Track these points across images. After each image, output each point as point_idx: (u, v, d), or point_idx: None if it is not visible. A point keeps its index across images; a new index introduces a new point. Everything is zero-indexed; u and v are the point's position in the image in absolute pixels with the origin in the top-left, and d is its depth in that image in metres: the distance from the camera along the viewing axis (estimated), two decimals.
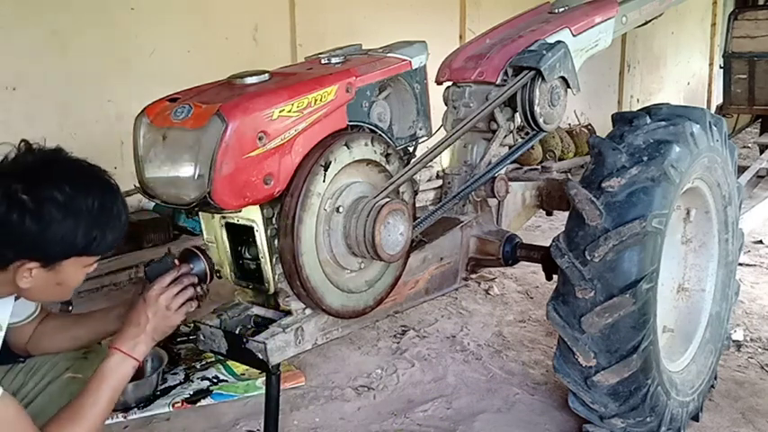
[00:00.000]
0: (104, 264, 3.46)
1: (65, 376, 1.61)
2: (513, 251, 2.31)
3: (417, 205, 2.00)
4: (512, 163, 2.33)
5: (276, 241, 1.68)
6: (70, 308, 2.31)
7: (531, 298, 3.36)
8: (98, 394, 1.39)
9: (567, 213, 2.03)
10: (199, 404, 2.36)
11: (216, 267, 1.85)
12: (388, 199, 1.76)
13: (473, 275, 2.54)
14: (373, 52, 1.96)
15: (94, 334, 1.67)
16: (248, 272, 1.78)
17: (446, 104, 2.30)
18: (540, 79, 2.15)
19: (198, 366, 2.58)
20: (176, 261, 1.57)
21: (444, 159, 2.35)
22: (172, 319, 1.50)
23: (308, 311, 1.79)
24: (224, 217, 1.72)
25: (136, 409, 2.29)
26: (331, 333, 1.87)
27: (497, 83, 2.18)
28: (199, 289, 1.55)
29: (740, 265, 2.93)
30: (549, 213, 2.71)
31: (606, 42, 2.53)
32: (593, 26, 2.43)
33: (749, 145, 7.22)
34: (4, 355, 1.57)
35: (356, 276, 1.83)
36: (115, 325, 1.60)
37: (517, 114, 2.23)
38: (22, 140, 1.33)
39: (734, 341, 2.81)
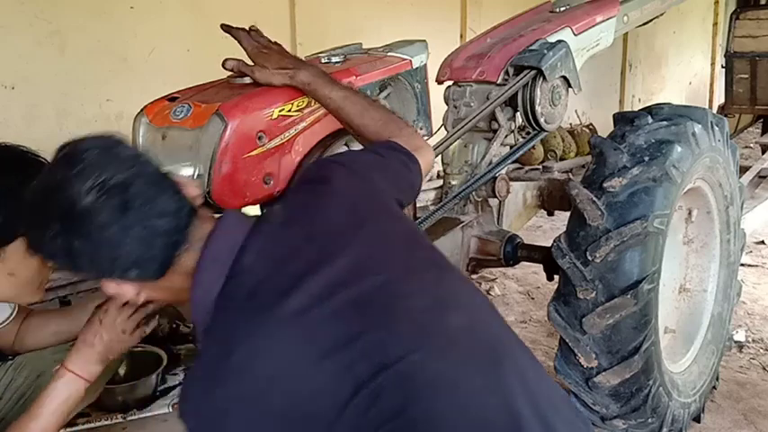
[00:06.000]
0: None
1: (54, 369, 1.60)
2: (514, 251, 2.30)
3: (418, 205, 1.99)
4: (513, 163, 2.32)
5: None
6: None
7: (533, 298, 3.35)
8: (45, 414, 1.36)
9: (568, 213, 2.03)
10: None
11: None
12: None
13: (474, 276, 2.54)
14: (373, 51, 1.95)
15: (75, 327, 1.65)
16: None
17: (447, 104, 2.29)
18: (541, 79, 2.14)
19: None
20: None
21: (446, 159, 2.34)
22: (126, 342, 1.44)
23: None
24: None
25: (135, 409, 2.28)
26: None
27: (498, 82, 2.17)
28: (152, 305, 1.45)
29: (742, 265, 2.92)
30: (550, 213, 2.70)
31: (607, 42, 2.52)
32: (594, 25, 2.42)
33: (751, 145, 7.20)
34: None
35: None
36: None
37: (518, 114, 2.22)
38: None
39: (735, 342, 2.81)
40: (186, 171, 1.51)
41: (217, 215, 1.12)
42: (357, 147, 1.72)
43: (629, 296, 1.83)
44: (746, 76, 6.19)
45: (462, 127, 2.04)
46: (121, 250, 1.00)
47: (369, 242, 1.07)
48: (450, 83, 2.29)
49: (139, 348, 2.25)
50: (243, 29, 1.58)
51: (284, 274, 1.00)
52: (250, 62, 1.58)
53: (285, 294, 0.97)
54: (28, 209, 1.05)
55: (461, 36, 5.73)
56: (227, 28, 1.57)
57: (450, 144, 2.07)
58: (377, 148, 1.34)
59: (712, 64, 8.92)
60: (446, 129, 2.24)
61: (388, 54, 1.92)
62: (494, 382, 0.96)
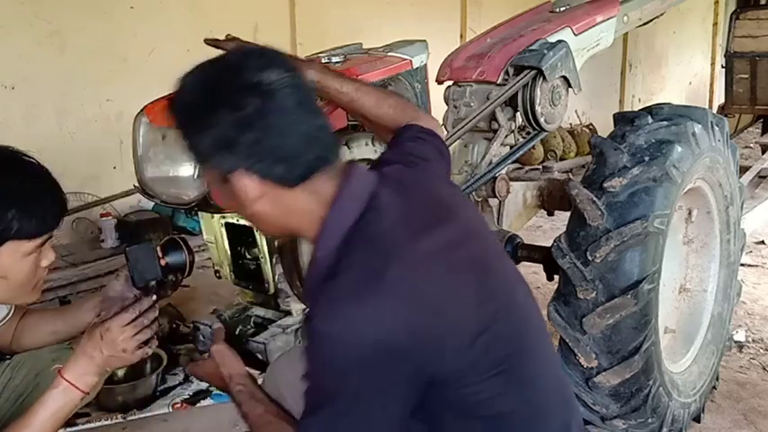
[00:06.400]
0: (104, 264, 3.46)
1: (52, 367, 1.60)
2: (515, 251, 2.30)
3: None
4: (513, 163, 2.32)
5: (276, 241, 1.67)
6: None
7: None
8: (38, 423, 1.35)
9: (568, 213, 2.02)
10: (198, 405, 2.35)
11: (215, 268, 1.85)
12: None
13: None
14: (374, 51, 1.95)
15: (72, 327, 1.66)
16: (248, 272, 1.77)
17: (447, 104, 2.29)
18: (541, 78, 2.14)
19: None
20: (158, 249, 1.55)
21: None
22: (126, 359, 1.44)
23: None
24: (224, 217, 1.71)
25: (135, 409, 2.28)
26: None
27: (498, 82, 2.17)
28: (155, 326, 1.47)
29: (742, 265, 2.92)
30: (550, 213, 2.70)
31: (607, 42, 2.52)
32: (594, 25, 2.42)
33: (751, 145, 7.20)
34: None
35: None
36: (91, 316, 1.59)
37: (518, 114, 2.22)
38: None
39: (735, 342, 2.80)
40: (186, 171, 1.51)
41: None
42: (357, 145, 1.72)
43: (629, 296, 1.83)
44: (746, 76, 6.18)
45: (462, 127, 2.04)
46: (286, 140, 1.05)
47: (465, 216, 1.23)
48: (451, 83, 2.29)
49: None
50: (224, 40, 1.57)
51: (416, 219, 1.12)
52: None
53: (421, 235, 1.09)
54: (198, 84, 1.09)
55: (461, 36, 5.74)
56: (213, 42, 1.57)
57: (451, 144, 2.07)
58: (419, 134, 1.39)
59: (712, 64, 8.93)
60: (446, 129, 2.24)
61: (389, 54, 1.92)
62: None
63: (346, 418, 1.04)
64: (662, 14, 2.92)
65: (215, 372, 1.39)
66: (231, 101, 1.03)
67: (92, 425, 2.20)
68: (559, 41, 2.22)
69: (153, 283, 1.52)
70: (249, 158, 1.05)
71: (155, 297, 1.50)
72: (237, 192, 1.08)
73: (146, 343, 1.44)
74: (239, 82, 1.04)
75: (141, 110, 1.60)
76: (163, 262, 1.54)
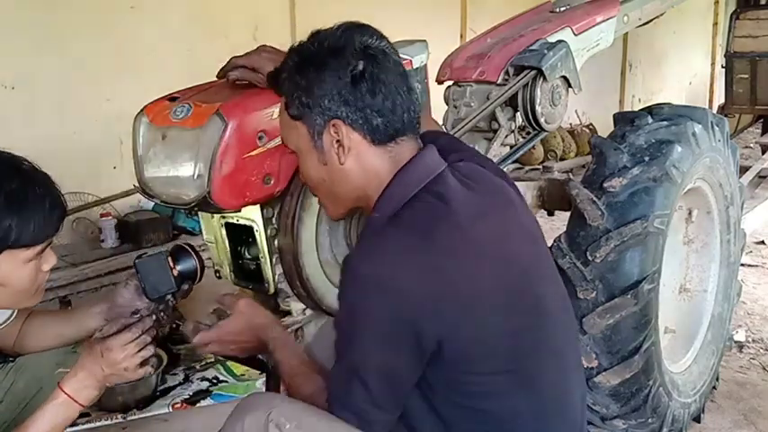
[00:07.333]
0: (104, 264, 3.46)
1: (56, 372, 1.59)
2: None
3: None
4: (513, 163, 2.32)
5: (276, 241, 1.67)
6: (69, 308, 2.31)
7: None
8: None
9: (568, 213, 2.02)
10: (198, 405, 2.35)
11: (215, 267, 1.84)
12: None
13: None
14: None
15: (77, 331, 1.65)
16: (248, 272, 1.77)
17: (447, 104, 2.29)
18: (541, 78, 2.14)
19: (197, 367, 2.57)
20: (169, 258, 1.55)
21: None
22: (126, 377, 1.43)
23: (308, 312, 1.78)
24: (224, 217, 1.71)
25: (135, 409, 2.28)
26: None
27: (498, 82, 2.17)
28: (153, 341, 1.47)
29: (742, 265, 2.92)
30: (550, 213, 2.69)
31: (608, 42, 2.52)
32: (594, 25, 2.42)
33: (751, 145, 7.19)
34: None
35: None
36: (97, 321, 1.58)
37: (518, 114, 2.22)
38: None
39: (736, 342, 2.80)
40: (186, 171, 1.51)
41: None
42: None
43: (629, 296, 1.83)
44: (746, 76, 6.17)
45: (462, 127, 2.04)
46: (389, 98, 1.17)
47: (526, 217, 1.30)
48: (451, 83, 2.29)
49: None
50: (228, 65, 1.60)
51: (475, 205, 1.18)
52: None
53: (477, 220, 1.15)
54: (315, 45, 1.22)
55: (461, 36, 5.74)
56: (223, 74, 1.59)
57: None
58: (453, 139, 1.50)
59: (712, 64, 8.92)
60: (446, 129, 2.24)
61: None
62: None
63: (360, 370, 1.10)
64: (662, 14, 2.92)
65: (244, 329, 1.43)
66: (346, 58, 1.16)
67: (92, 425, 2.20)
68: (559, 41, 2.22)
69: (168, 295, 1.52)
70: (353, 106, 1.15)
71: (161, 307, 1.50)
72: (329, 147, 1.18)
73: (147, 361, 1.44)
74: (351, 45, 1.18)
75: (141, 110, 1.60)
76: (175, 272, 1.54)
